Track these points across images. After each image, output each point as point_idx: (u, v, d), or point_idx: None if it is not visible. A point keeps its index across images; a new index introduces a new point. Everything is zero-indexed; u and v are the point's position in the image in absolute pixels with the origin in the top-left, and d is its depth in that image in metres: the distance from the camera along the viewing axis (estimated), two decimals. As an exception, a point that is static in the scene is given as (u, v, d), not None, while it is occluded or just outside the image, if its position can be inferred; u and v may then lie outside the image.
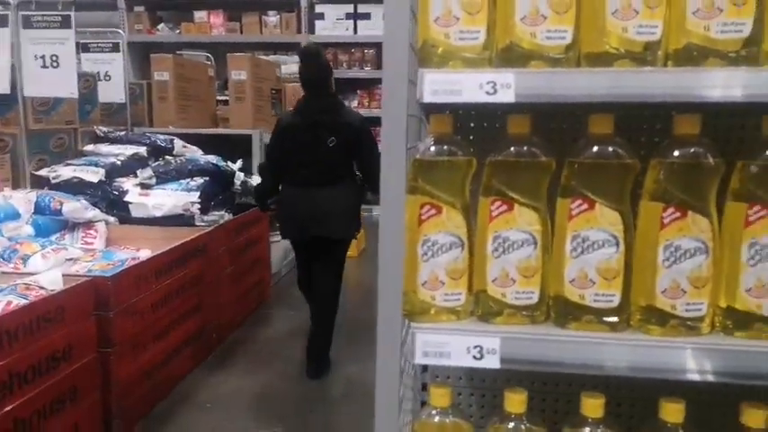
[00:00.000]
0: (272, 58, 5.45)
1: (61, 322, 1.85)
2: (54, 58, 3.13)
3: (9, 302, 1.77)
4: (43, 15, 3.07)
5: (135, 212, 2.94)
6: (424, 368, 1.30)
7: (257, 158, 3.80)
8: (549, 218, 0.89)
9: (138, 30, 6.23)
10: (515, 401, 0.90)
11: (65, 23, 3.08)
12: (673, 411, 0.86)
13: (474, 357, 0.85)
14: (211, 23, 6.28)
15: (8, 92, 3.05)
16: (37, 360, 1.74)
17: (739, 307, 0.83)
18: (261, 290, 3.69)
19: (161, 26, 6.35)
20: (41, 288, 1.91)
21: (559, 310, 0.88)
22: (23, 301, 1.78)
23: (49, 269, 2.13)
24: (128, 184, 3.09)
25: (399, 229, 0.85)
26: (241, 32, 6.25)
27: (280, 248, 4.17)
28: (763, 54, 0.76)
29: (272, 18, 6.22)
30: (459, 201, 0.90)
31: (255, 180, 3.58)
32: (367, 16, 6.07)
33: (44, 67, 3.13)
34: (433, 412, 0.93)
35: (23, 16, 3.07)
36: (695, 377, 0.81)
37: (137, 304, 2.28)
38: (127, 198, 2.97)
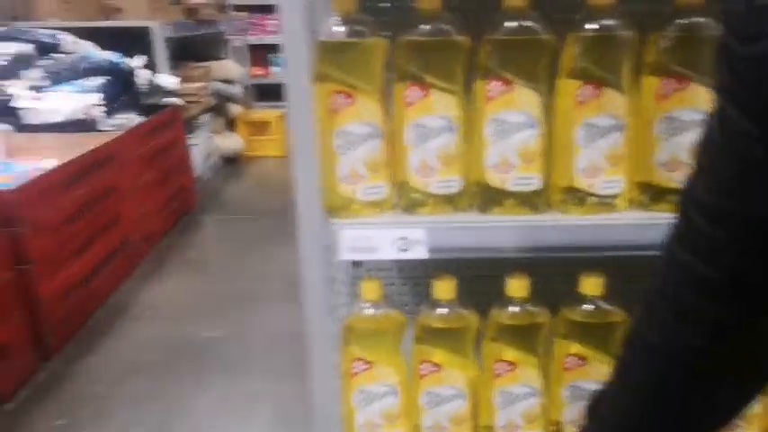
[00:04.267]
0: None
1: (-38, 243, 1.71)
2: None
3: None
4: None
5: (27, 119, 2.66)
6: (356, 262, 1.29)
7: (161, 54, 3.47)
8: (468, 102, 0.85)
9: None
10: (443, 289, 0.91)
11: None
12: (592, 285, 0.90)
13: (400, 249, 0.84)
14: None
15: None
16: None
17: (654, 181, 0.85)
18: (186, 196, 3.55)
19: None
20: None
21: (482, 196, 0.87)
22: None
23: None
24: (15, 87, 2.76)
25: (308, 120, 0.79)
26: None
27: (201, 151, 3.97)
28: None
29: None
30: (374, 86, 0.84)
31: (163, 78, 3.30)
32: None
33: None
34: (365, 306, 0.94)
35: None
36: (611, 252, 0.84)
37: (49, 219, 2.14)
38: (16, 103, 2.67)
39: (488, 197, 0.86)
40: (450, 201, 0.87)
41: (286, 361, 2.10)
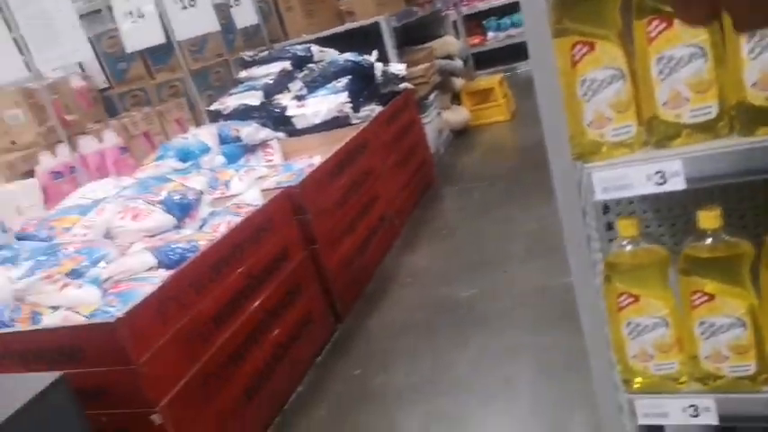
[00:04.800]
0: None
1: (272, 230, 2.17)
2: (189, -2, 3.36)
3: (229, 221, 2.12)
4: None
5: (299, 124, 3.18)
6: (605, 210, 1.32)
7: (389, 45, 3.79)
8: (715, 26, 0.83)
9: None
10: (710, 218, 0.90)
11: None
12: None
13: (657, 183, 0.86)
14: None
15: (164, 41, 3.36)
16: (264, 263, 2.09)
17: None
18: (426, 171, 3.84)
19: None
20: (248, 205, 2.24)
21: (744, 118, 0.84)
22: (238, 218, 2.10)
23: (248, 188, 2.45)
24: (284, 99, 3.32)
25: (552, 74, 0.86)
26: None
27: (433, 128, 4.23)
28: None
29: None
30: (612, 31, 0.87)
31: (394, 67, 3.61)
32: None
33: (184, 8, 3.38)
34: (624, 243, 0.97)
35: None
36: None
37: (325, 204, 2.56)
38: (288, 113, 3.21)
39: (752, 118, 0.83)
40: (706, 128, 0.86)
41: (537, 314, 2.19)
